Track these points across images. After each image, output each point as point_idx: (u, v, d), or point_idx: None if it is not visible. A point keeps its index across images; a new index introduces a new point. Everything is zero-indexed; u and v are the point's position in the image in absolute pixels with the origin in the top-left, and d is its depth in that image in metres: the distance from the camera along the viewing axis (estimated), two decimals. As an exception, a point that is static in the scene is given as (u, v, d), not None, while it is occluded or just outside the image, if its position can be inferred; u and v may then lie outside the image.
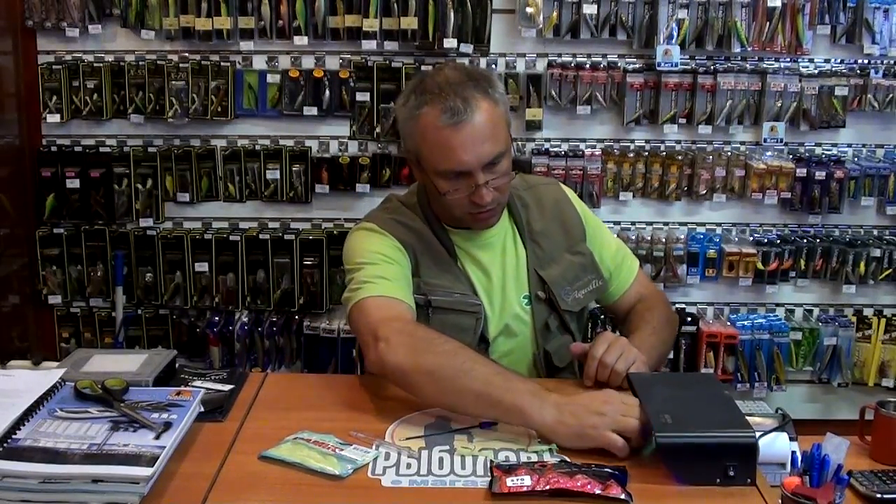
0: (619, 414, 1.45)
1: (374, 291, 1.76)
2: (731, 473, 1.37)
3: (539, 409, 1.49)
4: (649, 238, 3.06)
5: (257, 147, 3.04)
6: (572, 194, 2.10)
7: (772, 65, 3.00)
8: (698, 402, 1.52)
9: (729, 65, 2.99)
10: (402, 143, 1.95)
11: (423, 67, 2.93)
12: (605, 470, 1.37)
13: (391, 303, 1.75)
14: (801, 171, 3.00)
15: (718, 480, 1.37)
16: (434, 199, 1.89)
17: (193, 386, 1.66)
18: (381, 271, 1.81)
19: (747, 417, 1.47)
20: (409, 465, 1.43)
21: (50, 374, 1.57)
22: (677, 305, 3.13)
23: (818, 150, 3.09)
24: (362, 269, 1.82)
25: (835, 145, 3.09)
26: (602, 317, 2.96)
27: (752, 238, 3.10)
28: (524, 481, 1.33)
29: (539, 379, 1.86)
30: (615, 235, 3.00)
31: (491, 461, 1.42)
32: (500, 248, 1.95)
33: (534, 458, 1.45)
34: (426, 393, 1.60)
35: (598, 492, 1.31)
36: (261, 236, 3.04)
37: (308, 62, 3.00)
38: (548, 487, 1.32)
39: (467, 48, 2.92)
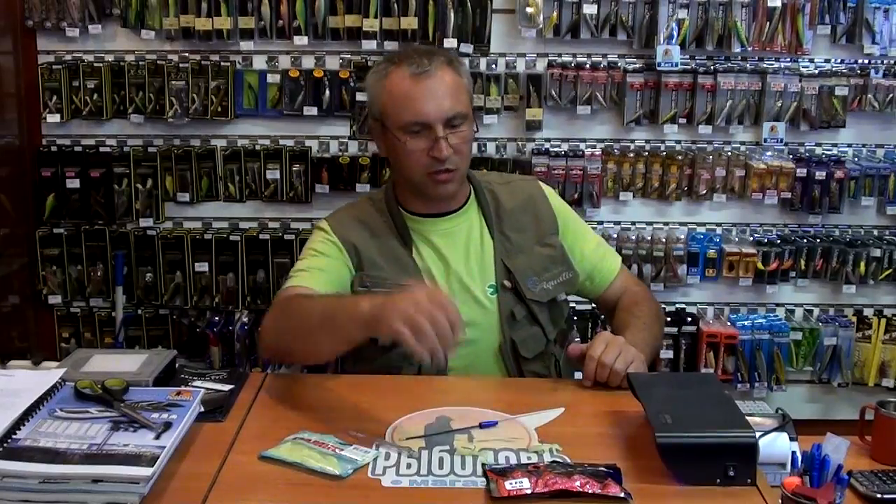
0: (413, 309, 1.44)
1: (288, 284, 1.90)
2: (732, 473, 1.37)
3: (366, 307, 1.55)
4: (649, 238, 3.06)
5: (257, 147, 3.04)
6: (551, 192, 2.14)
7: (772, 65, 3.00)
8: (698, 402, 1.52)
9: (729, 65, 2.99)
10: (368, 118, 2.10)
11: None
12: (600, 469, 1.37)
13: (291, 290, 1.87)
14: (802, 171, 3.00)
15: (718, 480, 1.37)
16: (397, 163, 1.96)
17: (193, 386, 1.66)
18: (304, 265, 1.94)
19: (747, 417, 1.47)
20: (409, 465, 1.43)
21: (50, 374, 1.57)
22: (677, 305, 3.14)
23: (818, 150, 3.09)
24: (295, 265, 1.97)
25: (835, 145, 3.09)
26: (602, 317, 2.97)
27: (752, 238, 3.10)
28: (523, 484, 1.33)
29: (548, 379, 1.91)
30: (617, 235, 3.04)
31: (483, 464, 1.42)
32: (464, 238, 1.99)
33: (534, 458, 1.45)
34: (282, 340, 1.75)
35: (597, 491, 1.31)
36: (261, 236, 3.04)
37: (308, 62, 3.00)
38: (547, 489, 1.31)
39: (467, 48, 2.92)
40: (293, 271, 1.93)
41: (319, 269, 1.91)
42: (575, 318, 2.97)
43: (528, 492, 1.31)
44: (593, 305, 2.24)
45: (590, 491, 1.31)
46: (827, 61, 3.03)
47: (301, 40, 2.92)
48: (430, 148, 1.87)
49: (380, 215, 2.01)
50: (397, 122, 1.89)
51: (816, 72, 3.01)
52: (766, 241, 3.07)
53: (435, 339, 1.43)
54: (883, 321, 3.09)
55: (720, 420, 1.45)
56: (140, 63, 2.99)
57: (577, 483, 1.32)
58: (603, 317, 2.96)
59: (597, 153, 3.01)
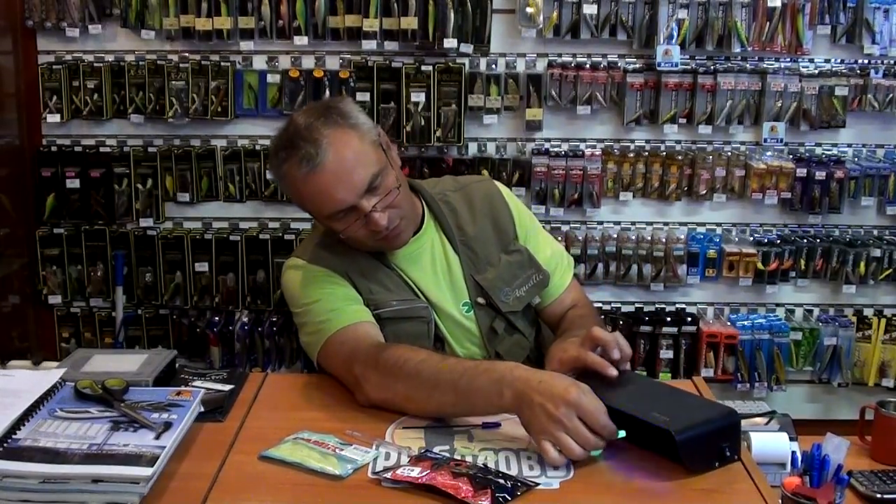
0: (574, 432, 1.39)
1: (332, 328, 1.76)
2: (728, 453, 1.40)
3: (508, 400, 1.47)
4: (649, 238, 3.06)
5: (257, 147, 3.04)
6: (508, 193, 2.06)
7: (772, 65, 3.00)
8: (657, 394, 1.56)
9: (729, 65, 3.00)
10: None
11: (423, 68, 2.93)
12: (498, 480, 1.34)
13: (350, 332, 1.75)
14: (802, 171, 3.00)
15: (717, 464, 1.40)
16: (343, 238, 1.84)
17: (193, 386, 1.66)
18: (328, 305, 1.79)
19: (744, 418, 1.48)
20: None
21: (50, 374, 1.57)
22: (677, 305, 3.14)
23: (818, 150, 3.09)
24: (310, 311, 1.81)
25: (835, 145, 3.09)
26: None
27: (752, 238, 3.10)
28: (412, 472, 1.34)
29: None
30: (617, 235, 3.03)
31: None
32: (429, 261, 1.92)
33: (533, 458, 1.45)
34: (415, 412, 1.61)
35: (462, 497, 1.29)
36: (261, 236, 3.04)
37: (308, 62, 3.00)
38: (425, 482, 1.31)
39: (467, 48, 2.92)
40: (317, 315, 1.79)
41: (350, 300, 1.80)
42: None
43: (411, 480, 1.32)
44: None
45: (455, 494, 1.29)
46: (827, 61, 3.03)
47: (301, 40, 2.93)
48: (366, 223, 1.76)
49: (344, 241, 1.85)
50: (320, 215, 1.80)
51: (816, 72, 3.01)
52: (766, 241, 3.07)
53: (578, 452, 1.39)
54: (883, 321, 3.09)
55: (695, 405, 1.49)
56: (140, 63, 2.99)
57: (451, 482, 1.31)
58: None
59: (597, 153, 3.01)
